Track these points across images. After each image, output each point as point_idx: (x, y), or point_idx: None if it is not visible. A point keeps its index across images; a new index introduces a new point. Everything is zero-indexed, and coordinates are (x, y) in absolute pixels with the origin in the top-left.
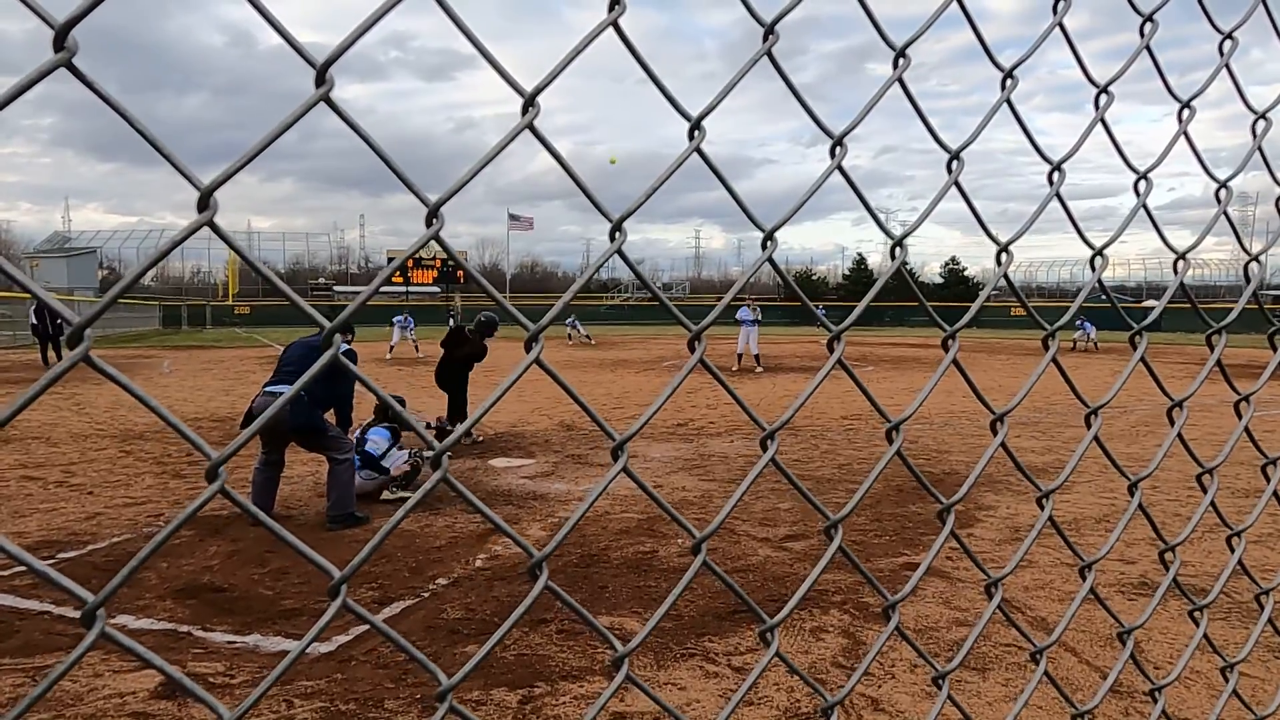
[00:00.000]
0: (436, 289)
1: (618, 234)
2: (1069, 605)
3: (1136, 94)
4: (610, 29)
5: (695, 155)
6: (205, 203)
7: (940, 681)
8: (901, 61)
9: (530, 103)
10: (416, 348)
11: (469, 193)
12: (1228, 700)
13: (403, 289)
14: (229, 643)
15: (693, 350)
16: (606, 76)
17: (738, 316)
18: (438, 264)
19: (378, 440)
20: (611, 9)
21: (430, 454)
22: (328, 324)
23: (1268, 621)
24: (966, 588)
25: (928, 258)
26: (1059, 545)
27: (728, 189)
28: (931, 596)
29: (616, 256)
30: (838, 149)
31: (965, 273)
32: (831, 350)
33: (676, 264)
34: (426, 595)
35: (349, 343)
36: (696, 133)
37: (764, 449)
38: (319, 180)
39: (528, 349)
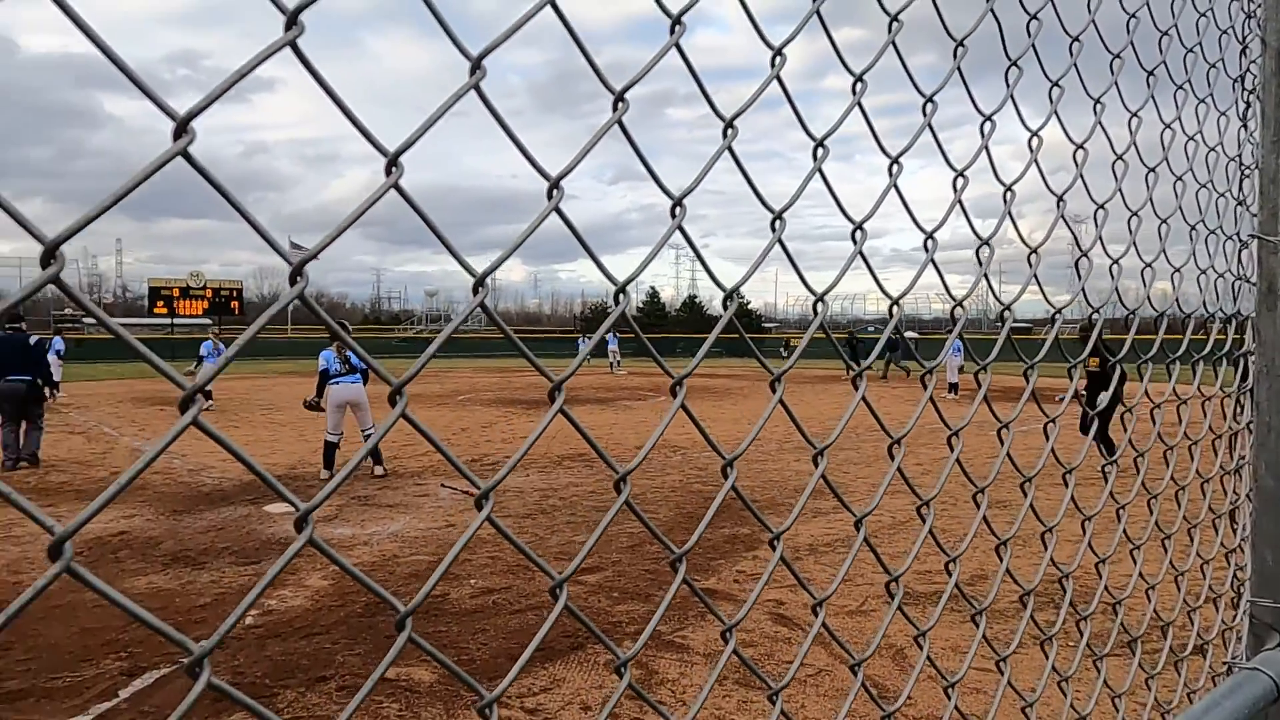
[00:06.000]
0: (208, 321)
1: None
2: (864, 629)
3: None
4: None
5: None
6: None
7: (620, 670)
8: (621, 106)
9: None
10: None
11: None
12: (856, 694)
13: (168, 321)
14: None
15: (553, 400)
16: (409, 107)
17: None
18: (208, 294)
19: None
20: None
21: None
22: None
23: (898, 609)
24: (753, 610)
25: (715, 292)
26: (863, 563)
27: (425, 224)
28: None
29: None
30: (555, 191)
31: (749, 305)
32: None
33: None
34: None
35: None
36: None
37: (476, 499)
38: (76, 202)
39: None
